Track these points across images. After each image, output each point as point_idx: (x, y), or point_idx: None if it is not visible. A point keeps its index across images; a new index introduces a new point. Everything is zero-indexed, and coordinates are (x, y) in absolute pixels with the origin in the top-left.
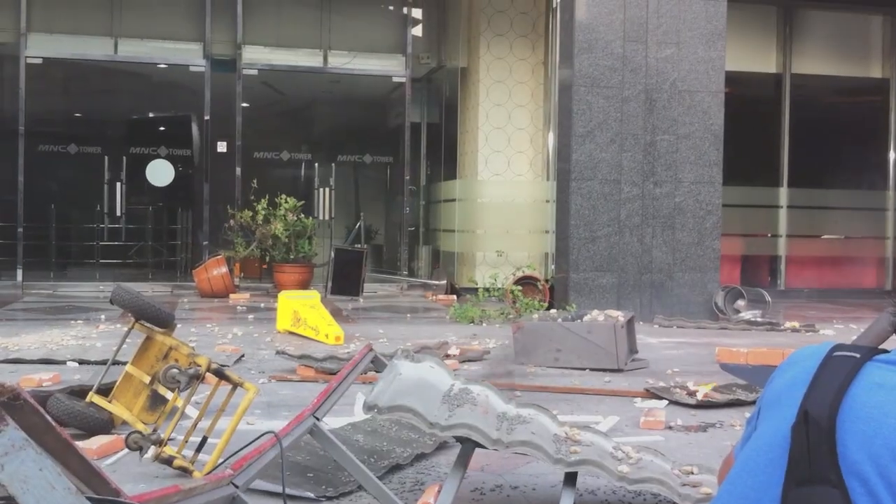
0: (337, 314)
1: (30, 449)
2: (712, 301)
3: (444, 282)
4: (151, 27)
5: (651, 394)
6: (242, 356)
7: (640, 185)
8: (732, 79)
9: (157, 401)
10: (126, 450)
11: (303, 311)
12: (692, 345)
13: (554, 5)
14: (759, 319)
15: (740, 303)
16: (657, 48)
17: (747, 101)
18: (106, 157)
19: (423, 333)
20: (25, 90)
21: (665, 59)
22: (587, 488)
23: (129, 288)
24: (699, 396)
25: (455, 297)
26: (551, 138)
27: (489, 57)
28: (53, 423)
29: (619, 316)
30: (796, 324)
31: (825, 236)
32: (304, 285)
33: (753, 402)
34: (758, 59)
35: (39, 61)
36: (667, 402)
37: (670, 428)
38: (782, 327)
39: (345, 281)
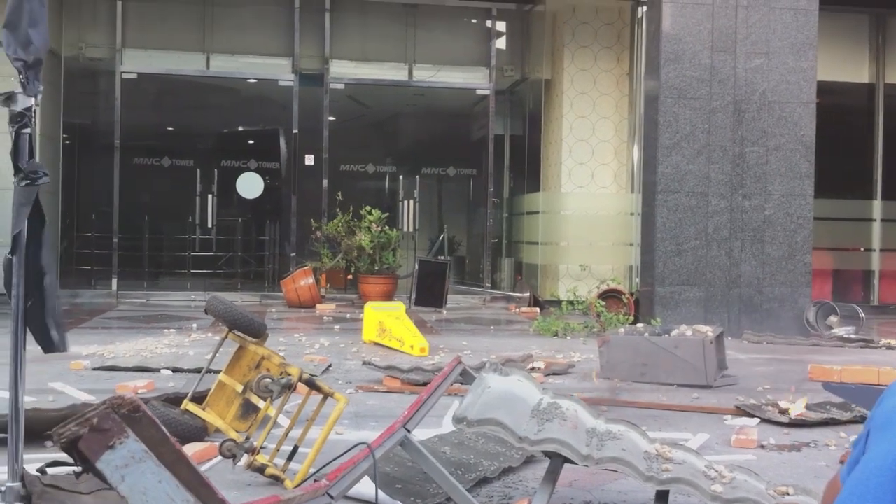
0: (421, 325)
1: (149, 461)
2: (803, 317)
3: (527, 294)
4: (242, 43)
5: (742, 411)
6: (330, 366)
7: (728, 197)
8: (823, 89)
9: (249, 409)
10: (220, 457)
11: (388, 322)
12: (783, 361)
13: (639, 16)
14: (852, 336)
15: (833, 318)
16: (746, 58)
17: (839, 112)
18: (198, 170)
19: (507, 346)
20: (121, 105)
21: (754, 70)
22: None
23: (224, 298)
24: (792, 414)
25: (538, 309)
26: (636, 150)
27: (573, 69)
28: (168, 435)
29: (708, 331)
30: (892, 341)
31: None
32: (389, 296)
33: (849, 422)
34: (849, 68)
35: (134, 76)
36: (758, 420)
37: (763, 447)
38: (877, 344)
39: (428, 293)
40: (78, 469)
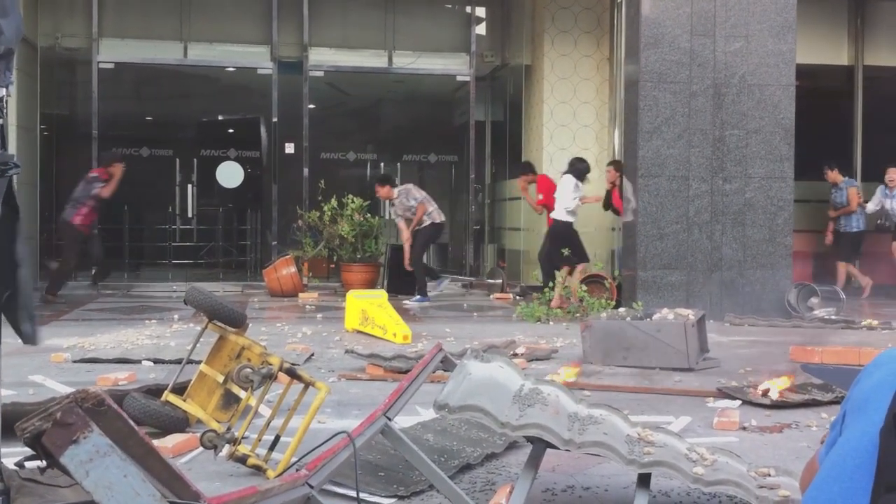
0: (404, 313)
1: (114, 455)
2: (784, 299)
3: (499, 280)
4: (220, 31)
5: (724, 394)
6: (312, 355)
7: (708, 181)
8: (803, 71)
9: (230, 399)
10: (201, 448)
11: (371, 310)
12: (765, 343)
13: (619, 0)
14: (833, 317)
15: (814, 300)
16: (725, 42)
17: (818, 94)
18: (177, 160)
19: (490, 332)
20: (98, 94)
21: (734, 53)
22: (660, 490)
23: (203, 288)
24: (772, 395)
25: (511, 295)
26: (617, 135)
27: (553, 54)
28: (136, 428)
29: (690, 314)
30: (872, 321)
31: None
32: (371, 284)
33: (830, 403)
34: (829, 51)
35: (111, 66)
36: (740, 402)
37: (744, 429)
38: (858, 325)
39: (400, 280)
40: (42, 464)
